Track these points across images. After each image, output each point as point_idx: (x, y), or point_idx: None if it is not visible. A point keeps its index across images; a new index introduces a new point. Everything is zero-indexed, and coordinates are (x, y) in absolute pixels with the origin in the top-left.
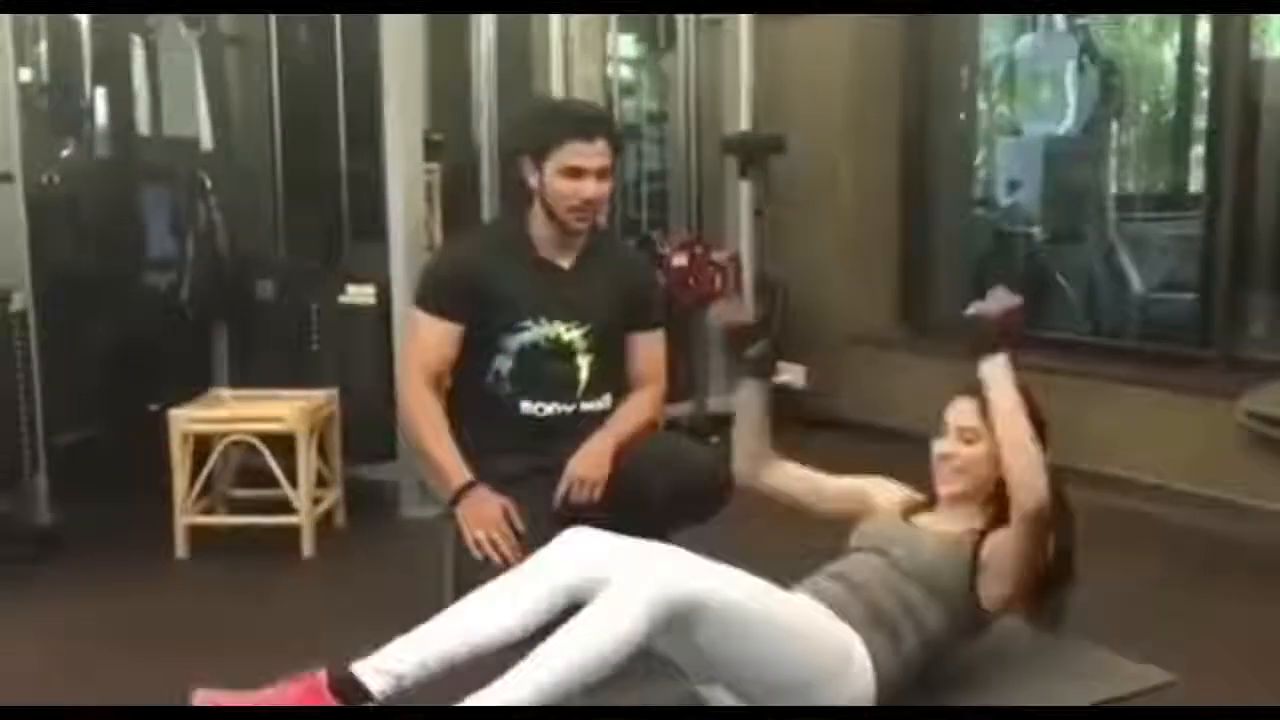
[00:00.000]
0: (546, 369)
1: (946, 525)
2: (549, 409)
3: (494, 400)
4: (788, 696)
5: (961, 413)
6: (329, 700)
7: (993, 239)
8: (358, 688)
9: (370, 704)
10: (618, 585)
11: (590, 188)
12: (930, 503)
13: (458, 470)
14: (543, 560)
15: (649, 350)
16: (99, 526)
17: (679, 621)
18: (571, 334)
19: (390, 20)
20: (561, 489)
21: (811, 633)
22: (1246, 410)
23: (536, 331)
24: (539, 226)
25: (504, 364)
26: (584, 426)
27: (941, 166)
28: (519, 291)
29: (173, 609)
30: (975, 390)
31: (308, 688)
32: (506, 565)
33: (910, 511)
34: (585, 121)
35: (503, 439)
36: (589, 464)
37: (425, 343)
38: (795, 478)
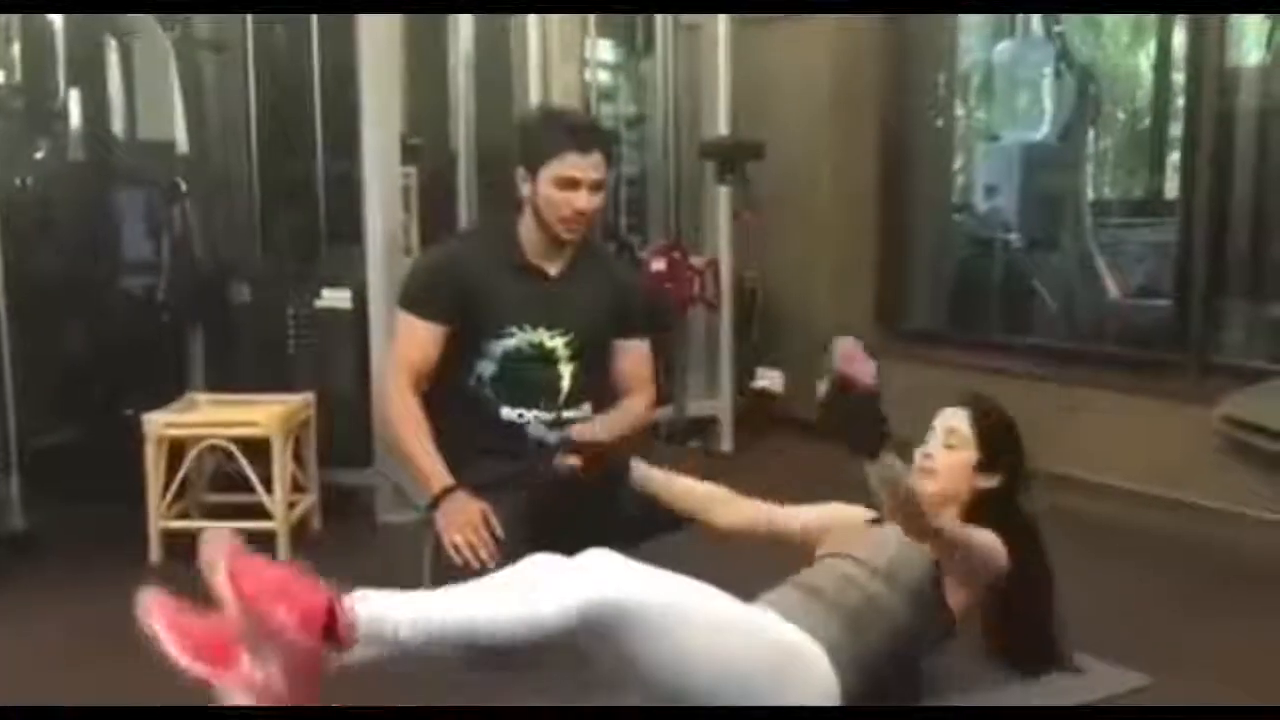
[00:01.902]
0: (528, 376)
1: None
2: (529, 415)
3: (475, 404)
4: (725, 691)
5: (950, 417)
6: (313, 629)
7: (970, 244)
8: (347, 641)
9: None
10: (557, 577)
11: (583, 199)
12: None
13: (438, 474)
14: (560, 573)
15: (636, 359)
16: (73, 531)
17: (602, 625)
18: (555, 341)
19: (367, 23)
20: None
21: (742, 627)
22: (1222, 416)
23: (520, 338)
24: (529, 234)
25: (486, 368)
26: (564, 434)
27: (919, 172)
28: (505, 297)
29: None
30: (967, 400)
31: (307, 611)
32: (484, 570)
33: (878, 521)
34: (581, 133)
35: (482, 444)
36: (589, 429)
37: (409, 343)
38: (749, 515)
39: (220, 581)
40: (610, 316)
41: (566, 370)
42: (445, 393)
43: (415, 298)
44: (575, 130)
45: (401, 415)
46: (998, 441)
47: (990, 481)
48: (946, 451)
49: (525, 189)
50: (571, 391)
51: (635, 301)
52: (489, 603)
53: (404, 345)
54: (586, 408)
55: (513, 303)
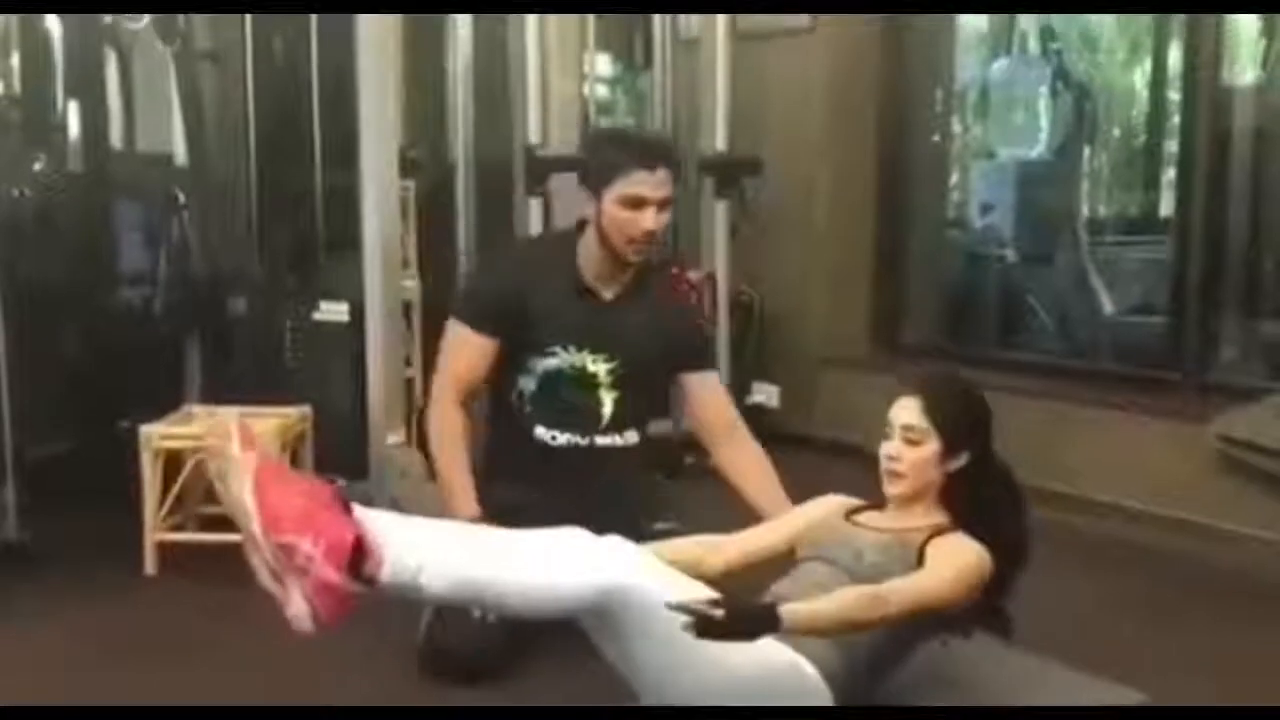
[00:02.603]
0: (567, 398)
1: (891, 523)
2: (562, 439)
3: (513, 420)
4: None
5: (904, 410)
6: (339, 564)
7: (965, 260)
8: (372, 579)
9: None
10: (582, 554)
11: (650, 218)
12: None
13: (466, 500)
14: (585, 551)
15: (713, 390)
16: (69, 541)
17: (611, 614)
18: (598, 366)
19: (366, 35)
20: None
21: (743, 644)
22: (1218, 435)
23: (563, 358)
24: (588, 255)
25: (528, 385)
26: (597, 462)
27: (916, 189)
28: (554, 315)
29: (142, 625)
30: (920, 387)
31: (334, 542)
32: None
33: (855, 511)
34: (648, 150)
35: (513, 462)
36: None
37: (460, 355)
38: (737, 552)
39: (246, 498)
40: (666, 346)
41: (608, 397)
42: (491, 405)
43: (468, 309)
44: (642, 148)
45: (440, 429)
46: (958, 423)
47: (960, 461)
48: (909, 448)
49: (589, 208)
50: (614, 418)
51: (697, 329)
52: (511, 565)
53: (454, 357)
54: (630, 435)
55: (561, 322)
